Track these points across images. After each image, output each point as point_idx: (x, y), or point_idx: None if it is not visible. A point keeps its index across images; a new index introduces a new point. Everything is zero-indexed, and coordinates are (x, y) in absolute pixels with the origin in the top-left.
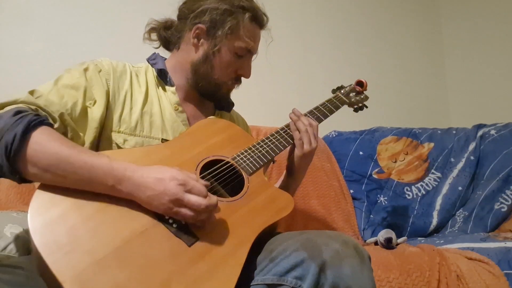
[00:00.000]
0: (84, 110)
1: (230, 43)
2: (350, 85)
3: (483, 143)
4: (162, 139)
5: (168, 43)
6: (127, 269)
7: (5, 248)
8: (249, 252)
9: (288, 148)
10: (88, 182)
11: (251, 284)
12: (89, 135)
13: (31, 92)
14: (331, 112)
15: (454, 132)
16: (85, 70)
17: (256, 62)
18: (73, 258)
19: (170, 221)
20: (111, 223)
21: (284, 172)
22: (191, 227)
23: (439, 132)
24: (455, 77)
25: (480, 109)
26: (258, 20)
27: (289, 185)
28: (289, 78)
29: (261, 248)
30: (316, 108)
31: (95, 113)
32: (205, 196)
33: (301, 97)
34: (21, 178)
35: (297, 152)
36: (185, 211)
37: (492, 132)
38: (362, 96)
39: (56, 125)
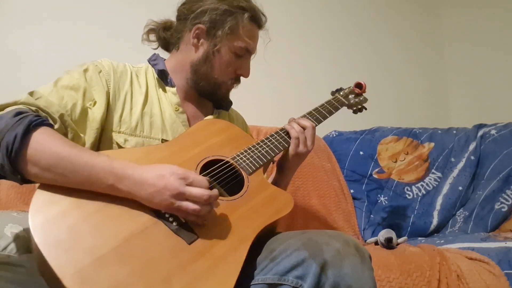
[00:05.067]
0: (84, 111)
1: (230, 43)
2: (349, 87)
3: (484, 143)
4: (162, 139)
5: (167, 44)
6: (128, 266)
7: (5, 248)
8: (249, 251)
9: None
10: (88, 181)
11: (252, 283)
12: (90, 136)
13: (31, 93)
14: (330, 113)
15: (454, 132)
16: (85, 71)
17: (256, 62)
18: (74, 255)
19: (170, 219)
20: (111, 221)
21: (275, 168)
22: (191, 225)
23: (439, 132)
24: (456, 77)
25: (480, 109)
26: (257, 20)
27: (280, 181)
28: (289, 78)
29: (261, 248)
30: (315, 109)
31: (96, 114)
32: (207, 188)
33: (301, 97)
34: (22, 178)
35: (291, 151)
36: (186, 204)
37: (493, 132)
38: (361, 98)
39: (56, 126)
